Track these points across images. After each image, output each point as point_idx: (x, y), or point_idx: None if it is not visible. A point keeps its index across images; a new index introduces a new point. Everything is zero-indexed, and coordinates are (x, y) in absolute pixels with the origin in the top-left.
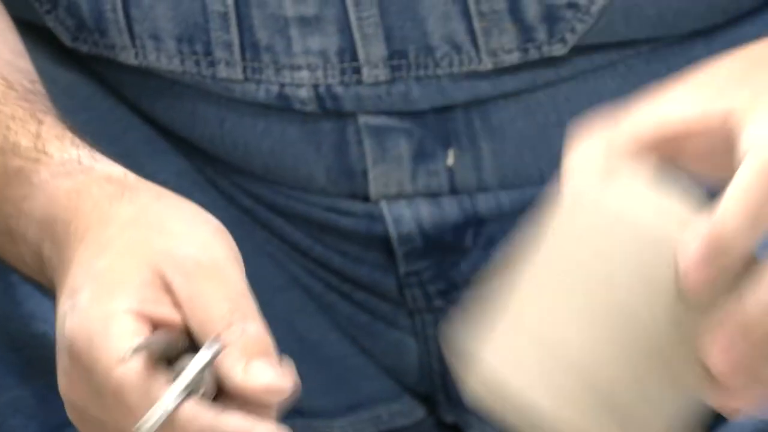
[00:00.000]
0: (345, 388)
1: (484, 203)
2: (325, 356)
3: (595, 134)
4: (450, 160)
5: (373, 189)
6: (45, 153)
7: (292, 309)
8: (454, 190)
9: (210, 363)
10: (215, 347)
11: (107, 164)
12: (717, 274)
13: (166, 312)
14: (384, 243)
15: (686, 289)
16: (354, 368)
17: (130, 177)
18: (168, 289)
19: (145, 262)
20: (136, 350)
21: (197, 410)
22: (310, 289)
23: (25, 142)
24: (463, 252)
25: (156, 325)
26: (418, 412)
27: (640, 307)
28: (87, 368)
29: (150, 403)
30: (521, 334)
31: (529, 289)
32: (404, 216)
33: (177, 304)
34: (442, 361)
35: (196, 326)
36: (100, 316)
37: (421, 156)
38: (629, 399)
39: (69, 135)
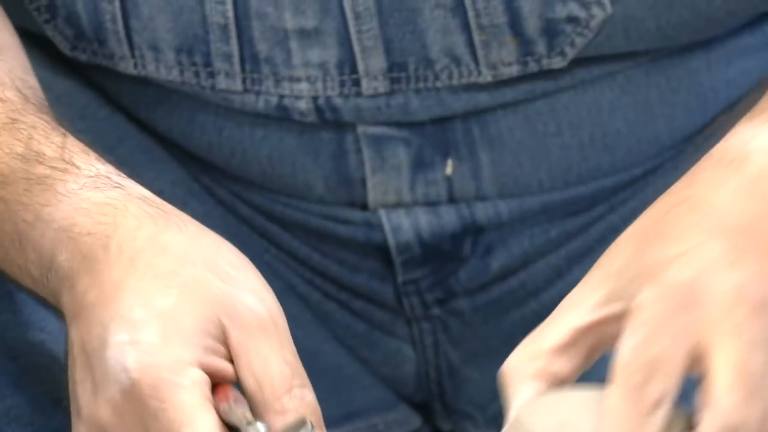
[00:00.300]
0: (341, 398)
1: (482, 212)
2: (321, 366)
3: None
4: (448, 169)
5: (372, 198)
6: (72, 164)
7: (289, 318)
8: (452, 199)
9: None
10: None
11: (136, 184)
12: None
13: (223, 365)
14: (382, 251)
15: None
16: (350, 378)
17: (166, 204)
18: (224, 340)
19: (207, 308)
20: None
21: None
22: (307, 298)
23: (49, 152)
24: (461, 261)
25: (212, 376)
26: (414, 421)
27: None
28: (145, 412)
29: None
30: None
31: None
32: (402, 225)
33: (230, 357)
34: (438, 369)
35: (251, 384)
36: (170, 364)
37: (419, 165)
38: None
39: (92, 151)
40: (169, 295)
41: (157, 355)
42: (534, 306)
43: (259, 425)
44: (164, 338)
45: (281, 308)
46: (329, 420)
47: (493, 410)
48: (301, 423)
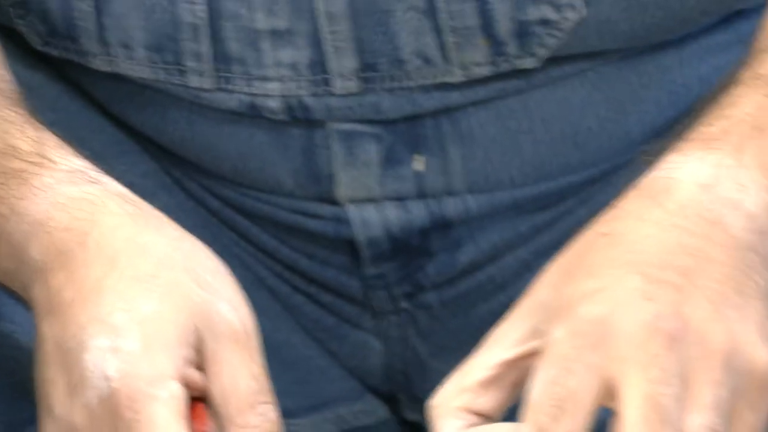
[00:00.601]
0: (308, 389)
1: (451, 207)
2: (288, 357)
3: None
4: (419, 165)
5: (341, 193)
6: (48, 159)
7: (258, 310)
8: (421, 195)
9: None
10: None
11: (112, 180)
12: None
13: (201, 380)
14: (350, 246)
15: None
16: (318, 369)
17: (144, 203)
18: (199, 348)
19: (187, 315)
20: None
21: None
22: (276, 291)
23: (25, 146)
24: (430, 255)
25: (190, 389)
26: (381, 412)
27: None
28: (120, 422)
29: None
30: None
31: None
32: (371, 220)
33: (205, 366)
34: (405, 361)
35: (218, 396)
36: (150, 376)
37: (389, 161)
38: None
39: (68, 146)
40: (150, 300)
41: (138, 365)
42: (502, 299)
43: None
44: (146, 347)
45: (254, 319)
46: (296, 411)
47: None
48: None
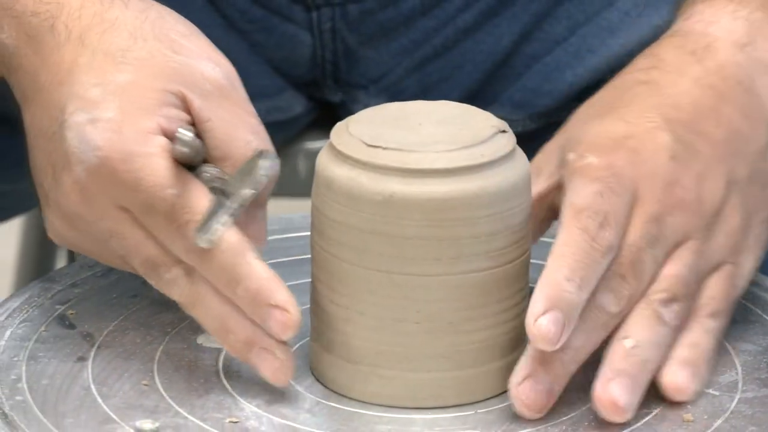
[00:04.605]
0: None
1: None
2: None
3: None
4: None
5: None
6: None
7: (176, 3)
8: None
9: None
10: (274, 166)
11: None
12: None
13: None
14: None
15: None
16: (236, 65)
17: None
18: (186, 109)
19: (165, 80)
20: (182, 146)
21: (234, 241)
22: None
23: None
24: None
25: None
26: (297, 107)
27: None
28: (120, 187)
29: (192, 216)
30: None
31: None
32: None
33: (196, 123)
34: (335, 52)
35: (217, 152)
36: (136, 136)
37: None
38: None
39: None
40: (124, 71)
41: (120, 130)
42: None
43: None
44: (123, 112)
45: (236, 71)
46: None
47: (387, 82)
48: (258, 153)
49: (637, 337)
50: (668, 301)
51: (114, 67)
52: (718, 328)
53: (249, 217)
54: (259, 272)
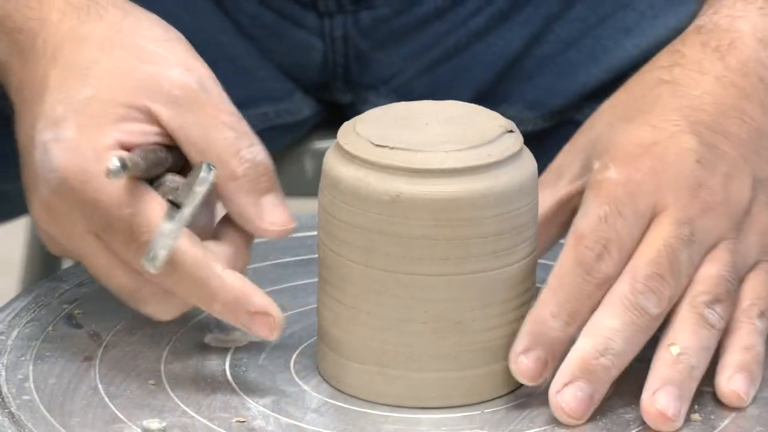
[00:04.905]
0: (233, 88)
1: None
2: (215, 56)
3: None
4: None
5: None
6: None
7: (185, 7)
8: None
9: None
10: (211, 174)
11: None
12: None
13: (154, 141)
14: None
15: None
16: (245, 68)
17: None
18: (156, 120)
19: (129, 94)
20: (130, 164)
21: (199, 256)
22: None
23: None
24: None
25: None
26: (305, 110)
27: None
28: (82, 206)
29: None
30: None
31: None
32: None
33: (168, 134)
34: (346, 57)
35: (195, 157)
36: (91, 152)
37: None
38: None
39: None
40: (87, 86)
41: (77, 149)
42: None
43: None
44: (81, 130)
45: (212, 73)
46: None
47: (396, 83)
48: (199, 167)
49: (684, 343)
50: (712, 303)
51: (78, 82)
52: (767, 327)
53: (258, 208)
54: (230, 283)
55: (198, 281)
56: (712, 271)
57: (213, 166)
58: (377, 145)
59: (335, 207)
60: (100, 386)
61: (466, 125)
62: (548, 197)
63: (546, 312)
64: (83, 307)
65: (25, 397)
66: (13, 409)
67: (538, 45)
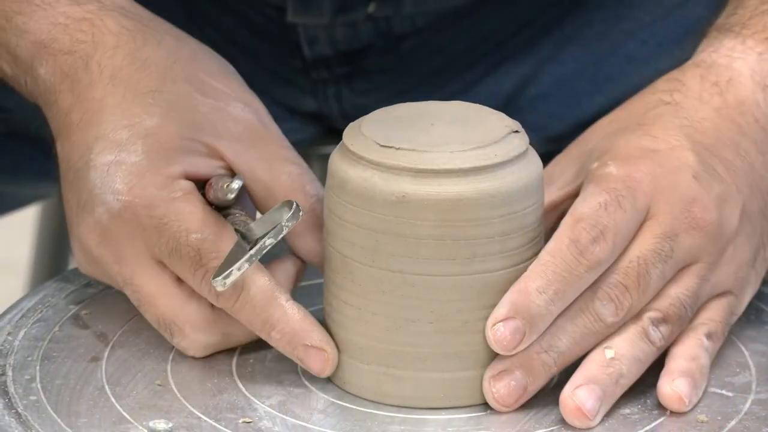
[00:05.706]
0: None
1: (398, 25)
2: None
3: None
4: (371, 8)
5: (290, 16)
6: None
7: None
8: (370, 18)
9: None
10: (300, 213)
11: None
12: None
13: (217, 175)
14: (295, 46)
15: None
16: None
17: (143, 12)
18: (219, 156)
19: (194, 129)
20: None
21: (266, 284)
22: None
23: None
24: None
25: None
26: (306, 132)
27: None
28: (143, 232)
29: (220, 260)
30: None
31: None
32: (319, 37)
33: (229, 169)
34: (340, 104)
35: (260, 192)
36: (160, 178)
37: (343, 7)
38: None
39: None
40: (153, 114)
41: (144, 175)
42: (440, 60)
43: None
44: (148, 157)
45: (265, 107)
46: None
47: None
48: (285, 203)
49: (620, 350)
50: (659, 322)
51: (143, 110)
52: (712, 349)
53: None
54: (292, 314)
55: (261, 308)
56: (671, 292)
57: (300, 206)
58: (383, 146)
59: (341, 208)
60: (106, 387)
61: (472, 125)
62: None
63: (532, 285)
64: (90, 308)
65: (32, 398)
66: (20, 410)
67: (531, 86)
